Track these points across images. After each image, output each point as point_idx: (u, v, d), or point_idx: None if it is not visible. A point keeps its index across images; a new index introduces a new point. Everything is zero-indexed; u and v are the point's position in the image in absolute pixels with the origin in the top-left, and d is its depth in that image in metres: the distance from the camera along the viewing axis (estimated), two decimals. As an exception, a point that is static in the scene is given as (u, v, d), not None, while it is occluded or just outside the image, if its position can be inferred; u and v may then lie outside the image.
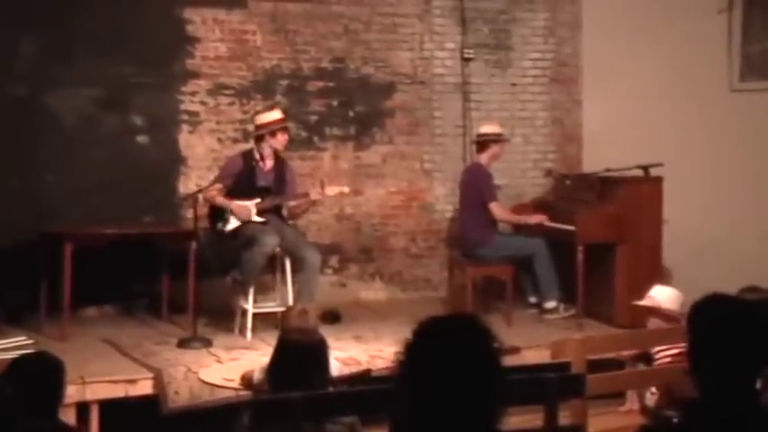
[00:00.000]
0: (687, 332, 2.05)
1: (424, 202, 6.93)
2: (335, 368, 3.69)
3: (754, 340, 1.97)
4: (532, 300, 6.10)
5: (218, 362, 4.76)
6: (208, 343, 5.08)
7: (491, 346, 1.65)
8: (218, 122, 6.44)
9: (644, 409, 3.93)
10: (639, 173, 5.94)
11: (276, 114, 5.59)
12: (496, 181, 6.17)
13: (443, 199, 6.89)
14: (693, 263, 5.98)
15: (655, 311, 4.10)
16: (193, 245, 5.22)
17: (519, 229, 6.32)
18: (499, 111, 6.93)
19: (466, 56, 6.88)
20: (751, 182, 6.41)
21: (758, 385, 2.69)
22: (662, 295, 4.20)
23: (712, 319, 2.04)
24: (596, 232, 5.68)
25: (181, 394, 4.31)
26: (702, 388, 1.96)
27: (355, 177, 6.65)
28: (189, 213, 5.59)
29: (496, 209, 5.97)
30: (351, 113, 6.77)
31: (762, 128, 6.37)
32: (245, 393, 3.91)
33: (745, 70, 6.50)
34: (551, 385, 2.89)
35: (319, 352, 3.43)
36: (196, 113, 6.38)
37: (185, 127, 6.35)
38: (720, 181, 6.48)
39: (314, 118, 6.67)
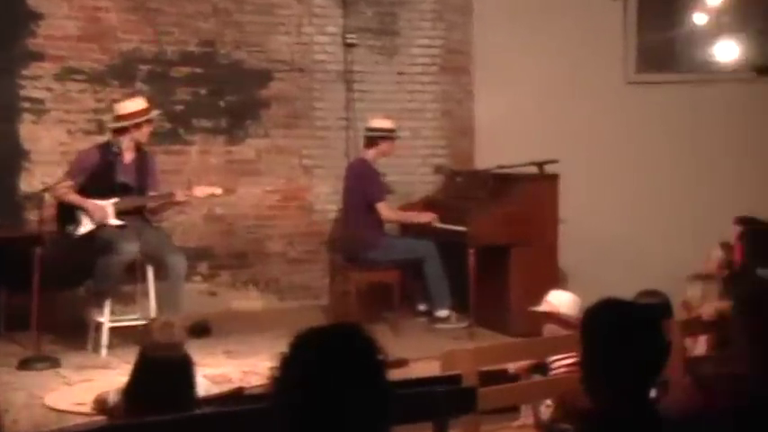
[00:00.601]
0: (580, 340, 2.14)
1: (303, 202, 6.91)
2: (203, 387, 3.63)
3: (647, 347, 2.07)
4: (422, 307, 6.18)
5: (68, 384, 4.60)
6: (55, 363, 4.91)
7: (375, 358, 1.67)
8: (67, 112, 6.21)
9: (538, 424, 4.06)
10: (534, 170, 6.11)
11: (140, 104, 5.45)
12: (383, 178, 6.22)
13: (325, 198, 6.89)
14: (592, 265, 6.21)
15: (552, 318, 4.23)
16: (38, 251, 5.04)
17: (407, 230, 6.39)
18: (385, 102, 6.98)
19: (348, 41, 6.90)
20: (650, 178, 6.73)
21: (653, 394, 2.84)
22: (559, 300, 4.34)
23: (604, 325, 2.13)
24: (489, 234, 5.80)
25: (21, 423, 4.14)
26: (595, 398, 2.05)
27: (227, 174, 6.56)
28: (33, 215, 5.38)
29: (384, 209, 6.02)
30: (221, 103, 6.68)
31: (659, 121, 6.71)
32: (99, 419, 3.80)
33: (641, 62, 6.83)
34: (440, 400, 2.94)
35: (184, 370, 3.37)
36: (40, 101, 6.14)
37: (27, 116, 6.10)
38: (618, 177, 6.77)
39: (179, 108, 6.54)
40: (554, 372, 4.05)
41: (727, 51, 6.72)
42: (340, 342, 1.68)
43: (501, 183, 6.14)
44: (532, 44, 6.88)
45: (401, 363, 4.60)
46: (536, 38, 6.86)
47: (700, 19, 6.74)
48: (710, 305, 4.23)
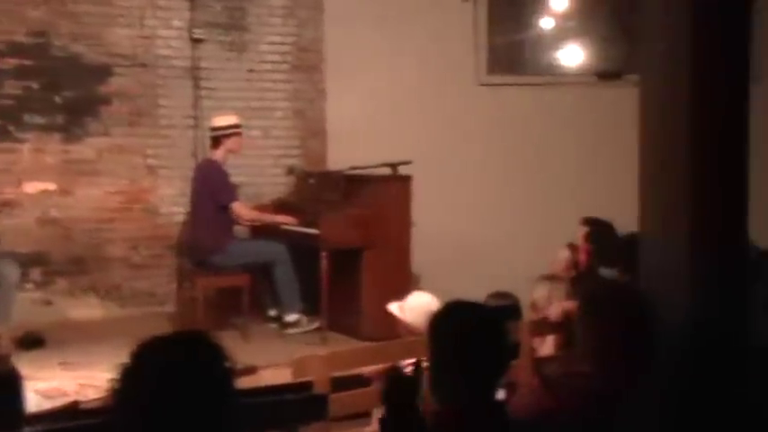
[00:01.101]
0: (427, 342, 2.19)
1: (147, 204, 6.73)
2: (34, 403, 3.49)
3: (491, 348, 2.15)
4: (272, 313, 6.16)
5: None
6: None
7: (222, 367, 1.65)
8: None
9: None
10: (387, 171, 6.19)
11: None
12: (233, 179, 6.16)
13: (171, 200, 6.74)
14: (444, 267, 6.35)
15: (400, 325, 4.30)
16: None
17: (258, 233, 6.35)
18: (235, 100, 6.90)
19: (195, 36, 6.77)
20: (501, 179, 6.95)
21: (501, 395, 2.94)
22: (420, 301, 4.41)
23: (449, 328, 2.19)
24: (342, 236, 5.84)
25: None
26: (442, 400, 2.10)
27: (64, 175, 6.31)
28: None
29: (240, 209, 5.98)
30: (57, 99, 6.41)
31: (509, 123, 6.94)
32: None
33: (492, 63, 7.06)
34: (290, 408, 2.94)
35: (9, 385, 3.22)
36: None
37: None
38: (471, 178, 6.95)
39: (8, 103, 6.24)
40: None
41: (573, 56, 7.04)
42: (185, 351, 1.65)
43: (354, 184, 6.19)
44: (385, 44, 6.97)
45: (250, 370, 4.56)
46: (388, 37, 6.96)
47: (546, 23, 7.03)
48: (557, 305, 4.40)
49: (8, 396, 3.08)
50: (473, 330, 2.17)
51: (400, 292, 4.57)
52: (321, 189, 6.38)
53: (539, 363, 3.88)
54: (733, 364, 2.53)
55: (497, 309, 4.54)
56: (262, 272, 6.00)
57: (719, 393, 2.46)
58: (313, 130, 7.29)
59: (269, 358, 5.05)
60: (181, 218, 6.67)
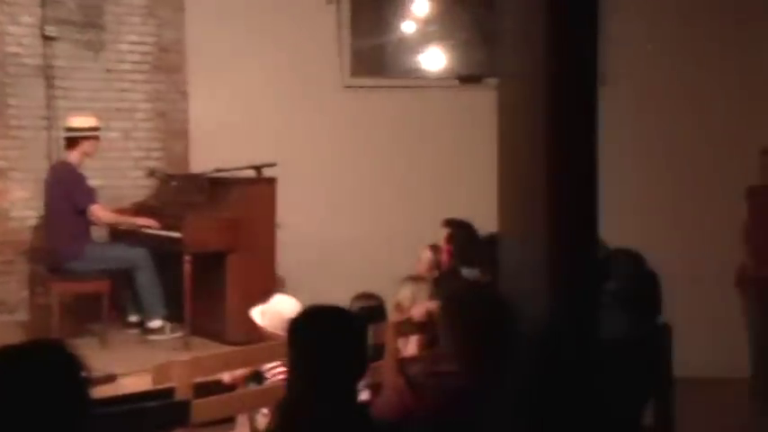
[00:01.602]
0: (288, 346, 2.19)
1: (-2, 208, 6.46)
2: None
3: (352, 352, 2.17)
4: (134, 319, 6.02)
5: None
6: None
7: (76, 375, 1.61)
8: None
9: (254, 433, 4.08)
10: (252, 173, 6.15)
11: None
12: (92, 182, 5.98)
13: (23, 204, 6.47)
14: (310, 269, 6.35)
15: (259, 331, 4.29)
16: None
17: (118, 238, 6.19)
18: (92, 100, 6.69)
19: (48, 34, 6.52)
20: (366, 181, 7.01)
21: (365, 396, 2.96)
22: (281, 306, 4.39)
23: (309, 331, 2.20)
24: (205, 240, 5.76)
25: None
26: (303, 403, 2.11)
27: None
28: None
29: (99, 212, 5.83)
30: None
31: (374, 125, 7.01)
32: None
33: (357, 66, 7.11)
34: (151, 416, 2.87)
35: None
36: None
37: None
38: (337, 181, 6.98)
39: None
40: (271, 380, 4.10)
41: (435, 59, 7.16)
42: (36, 360, 1.59)
43: (217, 187, 6.12)
44: (248, 45, 6.91)
45: (109, 378, 4.45)
46: (251, 39, 6.90)
47: (409, 27, 7.14)
48: (421, 306, 4.46)
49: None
50: (331, 335, 2.18)
51: (265, 296, 4.55)
52: (184, 192, 6.28)
53: (403, 363, 3.93)
54: (585, 358, 2.64)
55: (361, 310, 4.58)
56: (123, 277, 5.85)
57: (573, 387, 2.56)
58: (175, 132, 7.15)
59: (129, 365, 4.95)
60: (34, 222, 6.42)
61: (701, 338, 5.93)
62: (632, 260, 3.61)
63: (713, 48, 6.77)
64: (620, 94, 6.28)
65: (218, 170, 6.16)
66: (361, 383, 2.81)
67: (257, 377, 4.18)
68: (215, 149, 6.60)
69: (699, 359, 5.53)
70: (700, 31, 6.78)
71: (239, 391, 4.17)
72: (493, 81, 3.36)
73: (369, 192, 6.99)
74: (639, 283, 3.52)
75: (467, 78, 6.95)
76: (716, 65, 6.77)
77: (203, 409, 3.45)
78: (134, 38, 6.98)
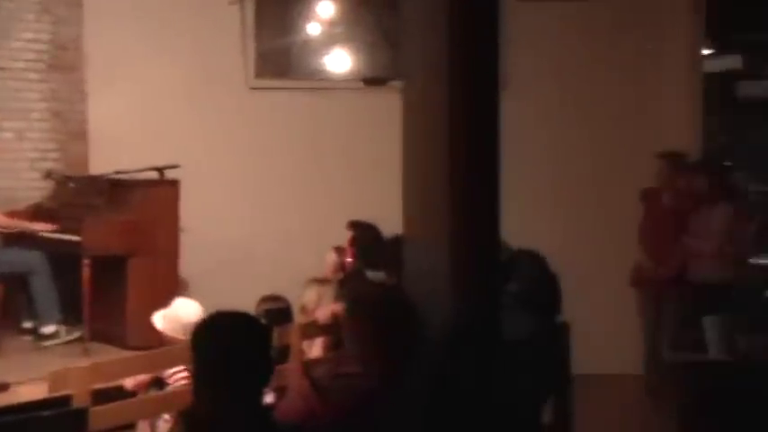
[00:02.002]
0: (192, 351, 2.16)
1: None
2: None
3: (255, 357, 2.15)
4: (28, 325, 5.82)
5: None
6: None
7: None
8: None
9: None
10: (154, 175, 6.03)
11: None
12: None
13: None
14: (215, 272, 6.26)
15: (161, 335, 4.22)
16: None
17: (11, 241, 5.98)
18: (-16, 100, 6.46)
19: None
20: (272, 183, 6.95)
21: (269, 399, 2.93)
22: (182, 310, 4.32)
23: (213, 336, 2.17)
24: (105, 243, 5.62)
25: None
26: (207, 408, 2.08)
27: None
28: None
29: None
30: None
31: (280, 127, 6.95)
32: None
33: (262, 67, 7.04)
34: (46, 425, 2.78)
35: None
36: None
37: None
38: (242, 183, 6.90)
39: None
40: (173, 385, 4.02)
41: (340, 61, 7.16)
42: None
43: (118, 189, 5.97)
44: (150, 45, 6.77)
45: (2, 387, 4.30)
46: (153, 38, 6.76)
47: (314, 28, 7.11)
48: (326, 308, 4.46)
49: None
50: (236, 340, 2.16)
51: (168, 300, 4.47)
52: (83, 194, 6.11)
53: (308, 365, 3.92)
54: (487, 358, 2.67)
55: (266, 313, 4.55)
56: (17, 282, 5.66)
57: (476, 386, 2.59)
58: (73, 133, 6.94)
59: (24, 373, 4.79)
60: None
61: (599, 337, 6.09)
62: (533, 261, 3.68)
63: (611, 54, 6.96)
64: (522, 98, 6.40)
65: (119, 172, 6.02)
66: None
67: (158, 383, 4.09)
68: (116, 151, 6.44)
69: (596, 357, 5.68)
70: (599, 40, 6.96)
71: (140, 397, 4.09)
72: (397, 83, 3.37)
73: (274, 194, 6.94)
74: (540, 284, 3.59)
75: (372, 80, 6.97)
76: (615, 72, 6.96)
77: (102, 416, 3.37)
78: (28, 35, 6.73)
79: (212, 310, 2.45)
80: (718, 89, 8.21)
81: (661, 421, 5.81)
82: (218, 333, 2.20)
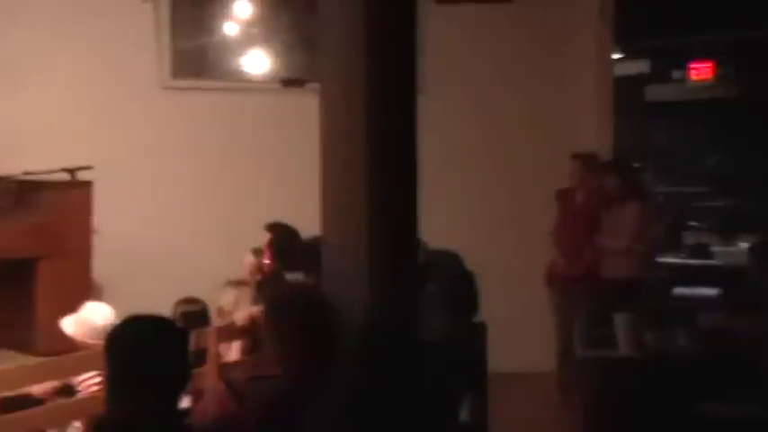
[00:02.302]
0: (105, 357, 2.11)
1: None
2: None
3: (171, 361, 2.11)
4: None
5: None
6: None
7: None
8: None
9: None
10: (66, 176, 5.88)
11: None
12: None
13: None
14: (130, 275, 6.13)
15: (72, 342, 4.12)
16: None
17: None
18: None
19: None
20: (188, 185, 6.84)
21: (186, 403, 2.89)
22: (93, 314, 4.23)
23: (127, 341, 2.13)
24: (12, 245, 5.43)
25: None
26: (120, 413, 2.03)
27: None
28: None
29: None
30: None
31: (196, 128, 6.85)
32: None
33: (178, 67, 6.93)
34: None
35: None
36: None
37: None
38: (157, 184, 6.77)
39: None
40: (84, 392, 3.92)
41: (258, 62, 7.09)
42: None
43: (27, 191, 5.78)
44: (60, 43, 6.58)
45: None
46: (64, 36, 6.58)
47: (231, 28, 7.03)
48: (244, 310, 4.42)
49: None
50: (150, 344, 2.12)
51: (80, 304, 4.37)
52: (-12, 196, 5.91)
53: (225, 368, 3.87)
54: (405, 358, 2.68)
55: (183, 315, 4.48)
56: None
57: (394, 387, 2.59)
58: (-22, 133, 6.71)
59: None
60: None
61: (516, 335, 6.18)
62: (450, 261, 3.71)
63: (526, 57, 7.08)
64: (438, 100, 6.46)
65: (28, 173, 5.83)
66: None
67: (68, 390, 3.99)
68: (25, 151, 6.25)
69: (512, 355, 5.76)
70: (515, 43, 7.07)
71: (49, 404, 3.97)
72: (316, 85, 3.36)
73: (191, 195, 6.83)
74: (457, 284, 3.62)
75: (289, 82, 6.93)
76: (529, 75, 7.08)
77: (9, 425, 3.27)
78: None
79: (127, 313, 2.41)
80: (627, 92, 8.43)
81: (571, 417, 5.94)
82: (133, 337, 2.15)
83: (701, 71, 9.30)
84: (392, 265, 3.05)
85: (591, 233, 6.19)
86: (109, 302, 4.41)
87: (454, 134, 6.85)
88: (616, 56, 7.89)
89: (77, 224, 5.76)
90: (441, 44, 6.71)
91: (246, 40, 7.05)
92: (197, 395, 3.38)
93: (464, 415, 3.63)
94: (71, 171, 5.85)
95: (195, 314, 4.76)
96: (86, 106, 6.66)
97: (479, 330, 3.77)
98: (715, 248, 8.21)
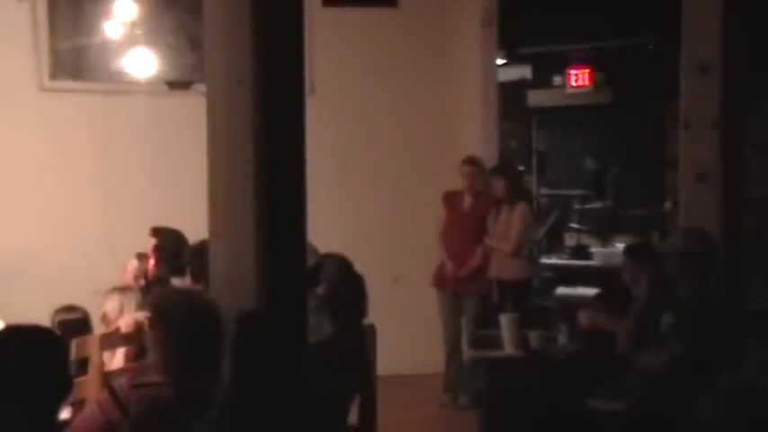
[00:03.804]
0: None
1: None
2: None
3: (51, 368, 2.05)
4: None
5: None
6: None
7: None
8: None
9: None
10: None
11: None
12: None
13: None
14: (7, 284, 5.91)
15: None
16: None
17: None
18: None
19: None
20: (68, 190, 6.62)
21: (65, 414, 2.80)
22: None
23: (5, 351, 2.06)
24: None
25: None
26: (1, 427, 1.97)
27: None
28: None
29: None
30: None
31: (76, 131, 6.63)
32: None
33: (56, 68, 6.69)
34: None
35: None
36: None
37: None
38: (35, 190, 6.54)
39: None
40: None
41: (142, 63, 6.92)
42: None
43: None
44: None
45: None
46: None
47: (113, 29, 6.84)
48: (129, 316, 4.30)
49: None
50: (28, 355, 2.05)
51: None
52: None
53: (108, 376, 3.76)
54: (294, 361, 2.67)
55: (62, 324, 4.33)
56: None
57: (282, 390, 2.58)
58: None
59: None
60: None
61: (403, 338, 6.23)
62: (339, 264, 3.71)
63: (413, 61, 7.15)
64: (326, 102, 6.46)
65: None
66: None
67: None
68: None
69: (400, 357, 5.81)
70: (402, 46, 7.13)
71: None
72: (202, 87, 3.30)
73: (69, 199, 6.61)
74: (345, 287, 3.63)
75: (175, 84, 6.80)
76: (417, 78, 7.15)
77: None
78: None
79: (5, 322, 2.32)
80: (510, 97, 8.62)
81: (458, 417, 6.04)
82: (10, 348, 2.07)
83: (579, 77, 9.58)
84: (281, 268, 3.03)
85: (478, 235, 6.30)
86: (-17, 312, 4.22)
87: (341, 136, 6.87)
88: (500, 61, 8.05)
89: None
90: (329, 46, 6.72)
91: (130, 42, 6.87)
92: (77, 406, 3.28)
93: (353, 417, 3.64)
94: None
95: (75, 322, 4.60)
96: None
97: (368, 332, 3.78)
98: (594, 249, 8.48)
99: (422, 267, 6.56)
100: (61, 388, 2.15)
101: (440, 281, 6.45)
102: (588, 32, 9.16)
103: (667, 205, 8.47)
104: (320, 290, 3.63)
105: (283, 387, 2.52)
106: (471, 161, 6.42)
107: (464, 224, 6.35)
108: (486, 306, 6.19)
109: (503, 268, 6.21)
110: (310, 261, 3.43)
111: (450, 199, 6.49)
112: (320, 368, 2.94)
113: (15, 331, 2.17)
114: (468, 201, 6.42)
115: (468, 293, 6.30)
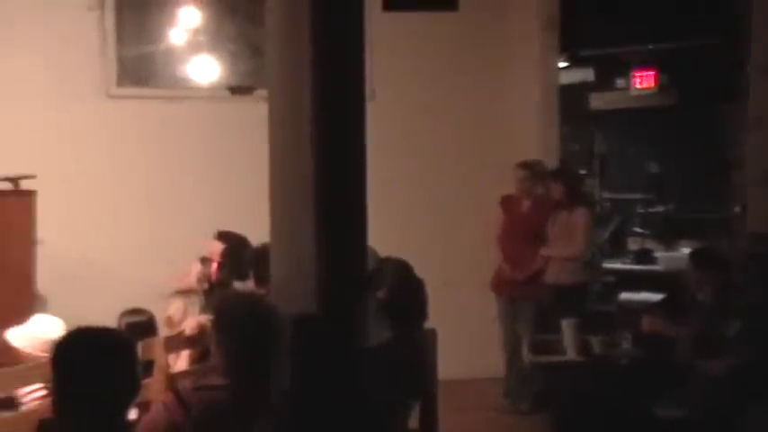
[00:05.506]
0: (51, 369, 2.07)
1: None
2: None
3: (119, 373, 2.08)
4: None
5: None
6: None
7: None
8: None
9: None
10: (8, 185, 5.76)
11: None
12: None
13: None
14: (74, 286, 6.02)
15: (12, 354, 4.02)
16: None
17: None
18: None
19: None
20: (132, 194, 6.74)
21: (133, 415, 2.84)
22: (41, 327, 4.14)
23: (74, 354, 2.09)
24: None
25: None
26: (67, 426, 2.00)
27: None
28: None
29: None
30: None
31: (141, 137, 6.75)
32: None
33: (123, 75, 6.83)
34: None
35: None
36: None
37: None
38: (101, 194, 6.66)
39: None
40: (27, 405, 3.83)
41: (204, 70, 7.02)
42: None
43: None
44: (2, 48, 6.47)
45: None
46: (4, 44, 6.46)
47: (178, 37, 6.95)
48: (193, 319, 4.36)
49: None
50: (98, 356, 2.08)
51: (21, 315, 4.26)
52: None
53: (173, 378, 3.81)
54: (354, 365, 2.67)
55: (129, 326, 4.41)
56: None
57: (342, 394, 2.58)
58: None
59: None
60: None
61: (465, 342, 6.20)
62: (399, 268, 3.71)
63: (472, 65, 7.12)
64: (388, 108, 6.46)
65: (-31, 182, 5.70)
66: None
67: (10, 402, 3.89)
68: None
69: (462, 361, 5.78)
70: (459, 50, 7.11)
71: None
72: (264, 92, 3.33)
73: (136, 205, 6.73)
74: (406, 291, 3.62)
75: (237, 89, 6.87)
76: (475, 83, 7.12)
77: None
78: None
79: (72, 325, 2.36)
80: (572, 100, 8.54)
81: (516, 422, 5.98)
82: (80, 349, 2.11)
83: (644, 79, 9.44)
84: (341, 273, 3.04)
85: (535, 239, 6.24)
86: (52, 314, 4.31)
87: (401, 141, 6.86)
88: (561, 64, 7.97)
89: (19, 234, 5.64)
90: (388, 51, 6.72)
91: (193, 49, 6.98)
92: (144, 407, 3.33)
93: (414, 421, 3.63)
94: (13, 180, 5.74)
95: (141, 324, 4.69)
96: (29, 114, 6.53)
97: (429, 337, 3.77)
98: (658, 254, 8.34)
99: (482, 271, 6.52)
100: (130, 389, 2.18)
101: (497, 285, 6.40)
102: (651, 33, 9.02)
103: (737, 209, 8.28)
104: (380, 294, 3.62)
105: (341, 391, 2.52)
106: (524, 165, 6.37)
107: (521, 228, 6.30)
108: (544, 310, 6.13)
109: (561, 273, 6.14)
110: (370, 265, 3.44)
111: (508, 202, 6.44)
112: (380, 372, 2.94)
113: (85, 333, 2.21)
114: (525, 204, 6.36)
115: (524, 300, 6.24)
